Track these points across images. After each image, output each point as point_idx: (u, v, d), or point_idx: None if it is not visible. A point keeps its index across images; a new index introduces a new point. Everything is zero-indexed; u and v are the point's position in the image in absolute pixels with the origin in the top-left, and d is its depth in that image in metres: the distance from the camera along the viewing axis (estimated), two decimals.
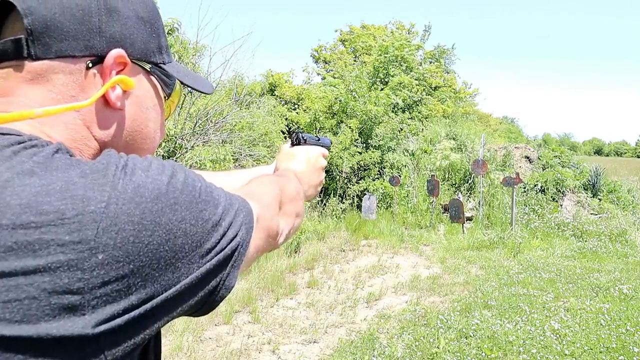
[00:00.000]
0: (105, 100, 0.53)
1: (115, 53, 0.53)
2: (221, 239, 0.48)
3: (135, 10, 0.56)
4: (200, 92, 0.69)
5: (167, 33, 6.30)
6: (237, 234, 0.50)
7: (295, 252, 6.58)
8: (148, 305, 0.42)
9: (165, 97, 0.64)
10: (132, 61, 0.55)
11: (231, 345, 3.83)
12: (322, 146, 0.98)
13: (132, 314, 0.41)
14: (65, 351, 0.38)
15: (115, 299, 0.40)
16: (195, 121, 6.16)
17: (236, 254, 0.50)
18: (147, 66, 0.59)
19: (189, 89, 0.67)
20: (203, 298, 0.48)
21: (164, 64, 0.61)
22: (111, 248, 0.39)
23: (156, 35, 0.59)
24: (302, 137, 0.95)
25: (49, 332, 0.37)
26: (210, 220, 0.47)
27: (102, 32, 0.52)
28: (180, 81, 0.66)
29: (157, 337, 0.54)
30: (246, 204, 0.55)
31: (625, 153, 74.55)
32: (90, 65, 0.51)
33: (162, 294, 0.43)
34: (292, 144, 0.96)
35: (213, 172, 1.01)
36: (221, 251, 0.48)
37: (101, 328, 0.39)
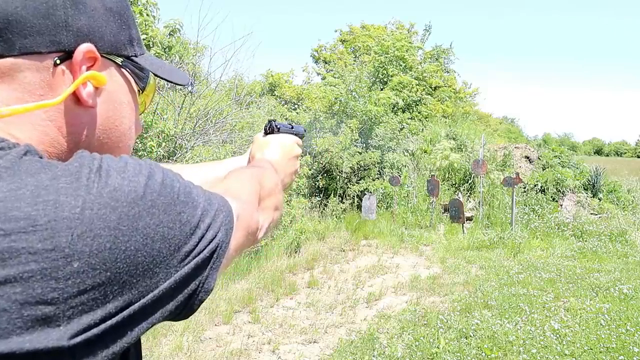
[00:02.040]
0: (76, 98, 0.50)
1: (85, 48, 0.49)
2: (199, 241, 0.46)
3: (103, 1, 0.52)
4: (176, 84, 0.65)
5: (169, 34, 6.30)
6: (215, 235, 0.48)
7: (295, 252, 6.58)
8: (126, 313, 0.40)
9: (139, 91, 0.62)
10: (102, 55, 0.52)
11: (231, 345, 3.83)
12: (295, 134, 0.96)
13: (110, 322, 0.39)
14: None
15: (92, 308, 0.38)
16: (195, 121, 6.16)
17: (215, 255, 0.48)
18: (119, 60, 0.56)
19: (164, 81, 0.65)
20: (182, 302, 0.47)
21: (135, 56, 0.58)
22: (87, 255, 0.38)
23: (126, 26, 0.56)
24: (276, 126, 0.93)
25: (21, 347, 0.35)
26: (188, 222, 0.46)
27: (69, 26, 0.49)
28: (154, 74, 0.63)
29: (137, 342, 0.52)
30: (226, 204, 0.53)
31: (625, 153, 74.41)
32: (58, 61, 0.48)
33: (139, 300, 0.41)
34: (266, 133, 0.94)
35: (181, 165, 0.97)
36: (199, 254, 0.46)
37: (77, 339, 0.37)
